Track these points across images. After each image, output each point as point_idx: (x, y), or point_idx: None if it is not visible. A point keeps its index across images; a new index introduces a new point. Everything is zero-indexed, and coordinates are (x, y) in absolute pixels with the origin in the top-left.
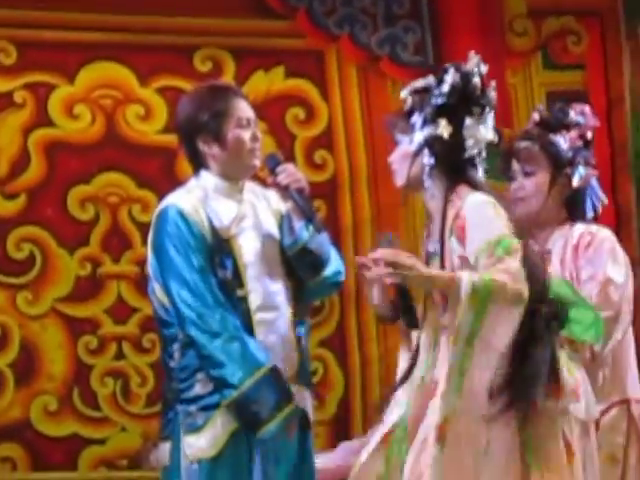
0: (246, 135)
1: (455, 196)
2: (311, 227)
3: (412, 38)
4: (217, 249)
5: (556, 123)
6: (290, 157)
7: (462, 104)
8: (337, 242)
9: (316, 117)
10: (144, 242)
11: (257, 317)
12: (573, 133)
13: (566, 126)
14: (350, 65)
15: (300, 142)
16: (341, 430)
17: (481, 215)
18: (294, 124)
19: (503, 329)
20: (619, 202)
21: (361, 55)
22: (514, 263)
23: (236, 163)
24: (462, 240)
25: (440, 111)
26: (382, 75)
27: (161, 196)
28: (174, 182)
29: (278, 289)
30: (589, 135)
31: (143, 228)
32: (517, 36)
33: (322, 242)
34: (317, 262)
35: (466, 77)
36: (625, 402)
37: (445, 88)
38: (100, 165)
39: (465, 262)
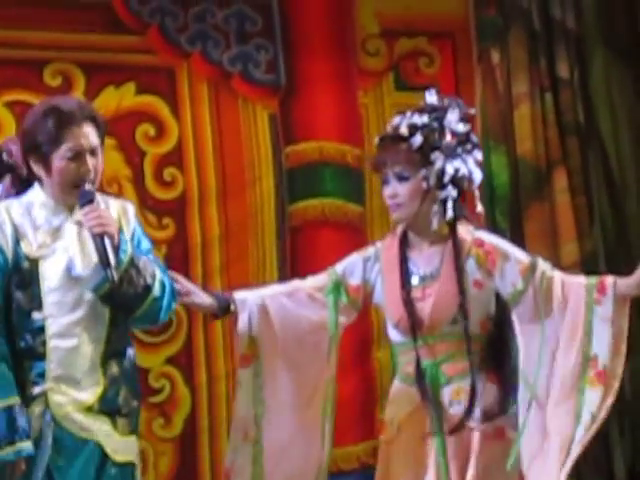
0: (71, 165)
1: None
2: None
3: (264, 56)
4: (18, 268)
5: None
6: (139, 174)
7: (464, 142)
8: (186, 259)
9: (166, 134)
10: None
11: (52, 343)
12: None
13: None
14: (201, 82)
15: (150, 159)
16: (187, 448)
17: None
18: (144, 141)
19: None
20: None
21: (212, 72)
22: None
23: (60, 190)
24: (492, 268)
25: (456, 149)
26: (233, 93)
27: None
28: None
29: (80, 317)
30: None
31: None
32: (369, 56)
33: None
34: (125, 303)
35: (465, 115)
36: None
37: (459, 126)
38: None
39: (479, 286)
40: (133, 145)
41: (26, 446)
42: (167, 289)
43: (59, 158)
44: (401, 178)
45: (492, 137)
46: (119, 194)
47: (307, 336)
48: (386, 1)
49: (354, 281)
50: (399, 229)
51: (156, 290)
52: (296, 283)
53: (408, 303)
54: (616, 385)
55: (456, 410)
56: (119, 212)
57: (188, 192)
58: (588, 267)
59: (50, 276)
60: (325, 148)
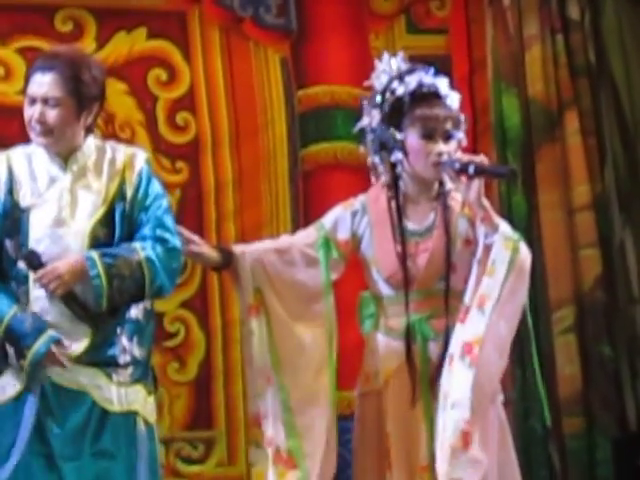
0: (28, 113)
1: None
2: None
3: (275, 0)
4: (10, 214)
5: None
6: (152, 118)
7: None
8: (199, 203)
9: (178, 79)
10: None
11: (34, 293)
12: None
13: None
14: (212, 27)
15: (162, 104)
16: (202, 391)
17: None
18: (156, 85)
19: None
20: None
21: (223, 17)
22: None
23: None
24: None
25: None
26: (245, 37)
27: None
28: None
29: None
30: None
31: None
32: None
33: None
34: (131, 302)
35: None
36: None
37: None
38: None
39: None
40: (145, 90)
41: (50, 333)
42: (158, 263)
43: (25, 104)
44: (448, 137)
45: (503, 79)
46: (132, 139)
47: (302, 292)
48: None
49: (343, 235)
50: (384, 182)
51: (149, 277)
52: (287, 239)
53: (403, 258)
54: None
55: None
56: (125, 163)
57: (201, 136)
58: (600, 208)
59: (37, 226)
60: (337, 92)
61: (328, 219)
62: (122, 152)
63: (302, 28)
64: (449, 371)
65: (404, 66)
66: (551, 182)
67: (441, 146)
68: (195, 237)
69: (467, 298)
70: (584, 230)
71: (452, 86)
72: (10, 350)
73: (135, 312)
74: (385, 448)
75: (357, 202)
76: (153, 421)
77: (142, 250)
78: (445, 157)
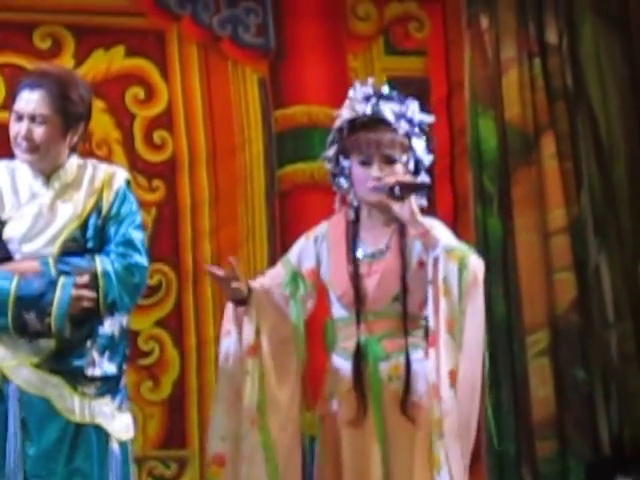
0: (14, 129)
1: None
2: None
3: (254, 20)
4: None
5: None
6: (129, 136)
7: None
8: (175, 221)
9: (156, 97)
10: None
11: None
12: None
13: None
14: (191, 45)
15: (139, 122)
16: (176, 411)
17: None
18: (134, 104)
19: None
20: (457, 189)
21: (202, 35)
22: None
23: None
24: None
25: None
26: (223, 56)
27: None
28: (11, 159)
29: None
30: None
31: None
32: (359, 20)
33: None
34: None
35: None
36: None
37: (425, 116)
38: None
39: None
40: (123, 108)
41: (63, 280)
42: (114, 277)
43: (12, 120)
44: (391, 161)
45: (480, 102)
46: (109, 156)
47: (281, 332)
48: None
49: (308, 264)
50: (349, 209)
51: (102, 290)
52: (262, 280)
53: (354, 277)
54: None
55: (396, 385)
56: (104, 181)
57: (178, 155)
58: (575, 232)
59: (10, 239)
60: (314, 112)
61: (293, 253)
62: (102, 170)
63: (280, 48)
64: (438, 399)
65: (361, 93)
66: (527, 205)
67: (375, 171)
68: (237, 272)
69: (431, 322)
70: (559, 253)
71: (429, 108)
72: (29, 316)
73: (110, 328)
74: (339, 472)
75: (318, 229)
76: (126, 439)
77: (100, 263)
78: (376, 182)
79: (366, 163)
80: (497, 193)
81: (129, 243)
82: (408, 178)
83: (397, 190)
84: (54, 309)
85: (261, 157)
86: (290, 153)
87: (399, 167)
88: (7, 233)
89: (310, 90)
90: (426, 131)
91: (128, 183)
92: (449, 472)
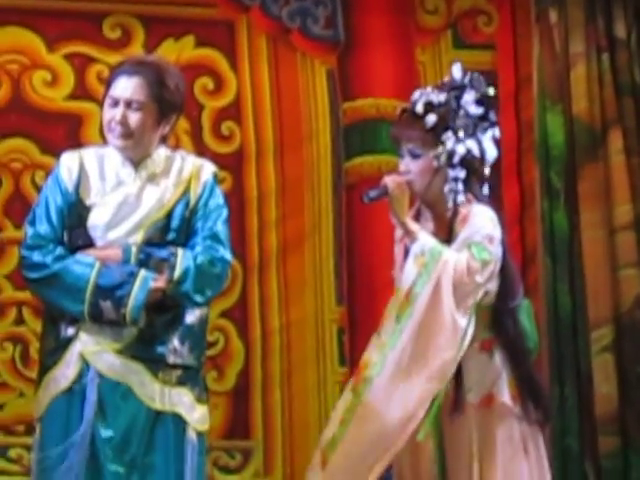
0: (108, 114)
1: (463, 206)
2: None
3: (323, 12)
4: (74, 211)
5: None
6: (197, 127)
7: (481, 121)
8: (242, 213)
9: (224, 88)
10: None
11: None
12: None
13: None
14: (260, 37)
15: (208, 112)
16: (240, 401)
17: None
18: (202, 94)
19: None
20: (524, 183)
21: (271, 27)
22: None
23: (106, 136)
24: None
25: (470, 129)
26: (292, 48)
27: None
28: (79, 148)
29: None
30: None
31: None
32: (428, 14)
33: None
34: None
35: (484, 95)
36: None
37: (473, 107)
38: (4, 131)
39: None
40: (191, 98)
41: (143, 274)
42: (194, 271)
43: (105, 105)
44: (414, 155)
45: (548, 97)
46: (176, 147)
47: None
48: None
49: None
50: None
51: (177, 279)
52: None
53: None
54: None
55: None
56: (192, 172)
57: (245, 146)
58: None
59: (94, 226)
60: (382, 105)
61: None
62: (190, 162)
63: (349, 40)
64: None
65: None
66: (593, 201)
67: (402, 166)
68: None
69: None
70: (625, 249)
71: (498, 103)
72: (105, 304)
73: (191, 319)
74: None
75: None
76: (203, 430)
77: (181, 258)
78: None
79: (401, 156)
80: (564, 188)
81: (215, 237)
82: (401, 178)
83: (372, 193)
84: (131, 300)
85: (328, 149)
86: (357, 146)
87: (420, 163)
88: (92, 220)
89: (378, 83)
90: (486, 122)
91: (215, 176)
92: None
